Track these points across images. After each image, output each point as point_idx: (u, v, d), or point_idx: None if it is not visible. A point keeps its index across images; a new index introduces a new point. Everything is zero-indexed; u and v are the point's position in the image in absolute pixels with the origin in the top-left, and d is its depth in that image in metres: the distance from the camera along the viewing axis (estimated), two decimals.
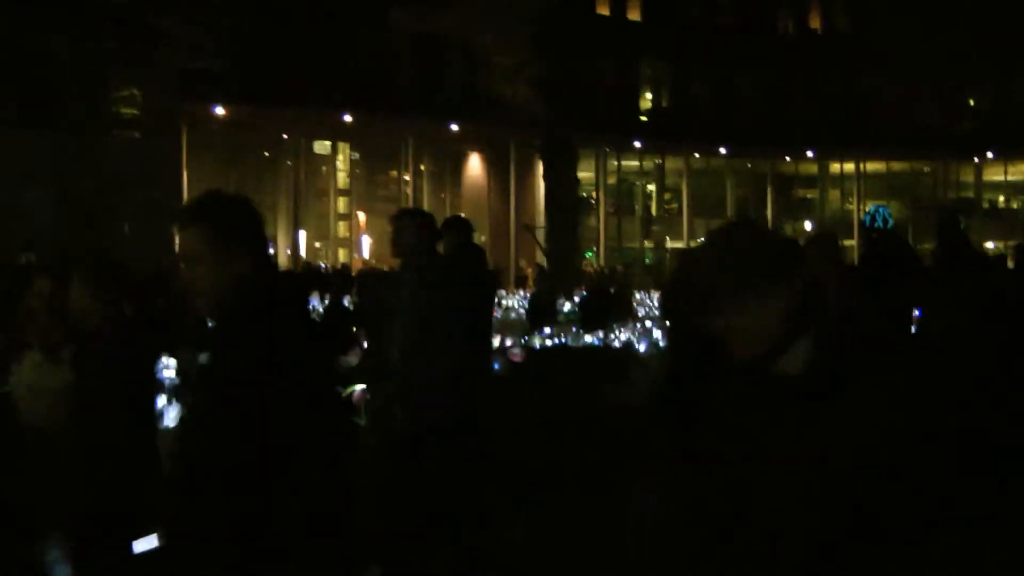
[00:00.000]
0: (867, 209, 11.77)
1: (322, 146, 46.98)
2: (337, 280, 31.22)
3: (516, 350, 12.26)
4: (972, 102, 60.42)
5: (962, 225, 9.90)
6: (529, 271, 44.62)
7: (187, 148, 38.86)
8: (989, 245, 53.11)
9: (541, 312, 22.08)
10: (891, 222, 10.51)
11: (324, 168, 47.26)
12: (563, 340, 16.72)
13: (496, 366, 10.27)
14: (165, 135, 31.96)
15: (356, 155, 48.69)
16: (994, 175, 61.96)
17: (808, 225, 57.19)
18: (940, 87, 54.97)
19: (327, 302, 20.33)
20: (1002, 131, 55.67)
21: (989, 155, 58.86)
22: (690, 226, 55.47)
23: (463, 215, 10.02)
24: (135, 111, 31.17)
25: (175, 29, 25.91)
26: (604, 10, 51.73)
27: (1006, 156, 59.13)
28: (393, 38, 40.05)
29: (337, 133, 45.46)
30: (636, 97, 55.27)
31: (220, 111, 39.62)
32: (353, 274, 37.57)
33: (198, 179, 40.84)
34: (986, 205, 61.41)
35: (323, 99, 40.06)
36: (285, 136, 43.68)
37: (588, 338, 17.18)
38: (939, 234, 9.79)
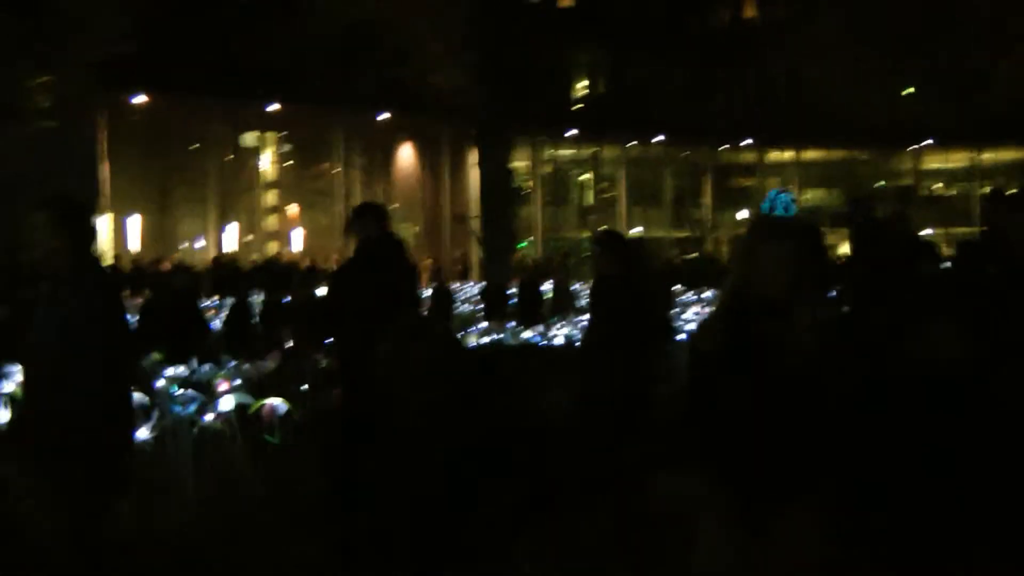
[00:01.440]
0: (768, 196, 10.94)
1: (250, 137, 45.69)
2: (260, 276, 30.26)
3: None
4: (910, 89, 60.30)
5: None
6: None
7: (107, 140, 37.49)
8: (928, 232, 53.37)
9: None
10: (793, 208, 9.60)
11: (252, 160, 45.93)
12: (499, 337, 15.71)
13: None
14: (81, 126, 30.41)
15: (286, 147, 47.39)
16: (932, 163, 61.94)
17: (745, 213, 56.62)
18: (878, 75, 54.69)
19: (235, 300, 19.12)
20: (940, 118, 55.72)
21: (927, 142, 58.56)
22: (627, 215, 54.78)
23: (379, 203, 8.61)
24: (48, 101, 29.58)
25: (87, 13, 24.55)
26: None
27: (944, 144, 58.95)
28: (321, 24, 38.81)
29: (264, 124, 44.20)
30: (571, 85, 54.45)
31: (140, 100, 38.24)
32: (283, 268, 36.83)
33: (119, 171, 39.53)
34: (924, 192, 61.38)
35: (249, 89, 38.85)
36: (210, 127, 42.19)
37: (527, 334, 16.19)
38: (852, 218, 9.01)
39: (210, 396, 8.46)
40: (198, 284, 24.33)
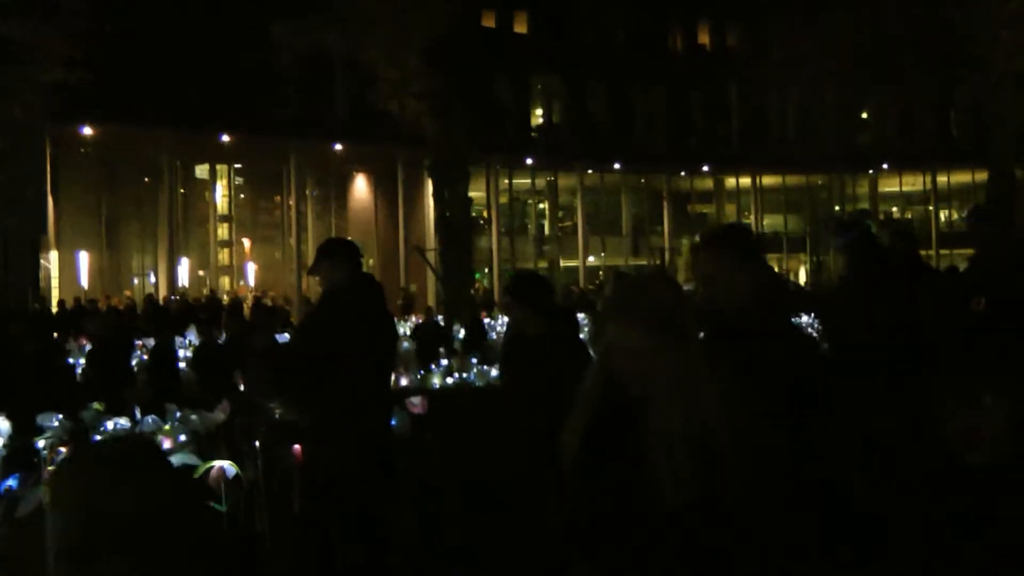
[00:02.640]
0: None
1: (201, 170, 44.90)
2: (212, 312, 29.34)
3: (415, 399, 10.30)
4: (865, 115, 60.50)
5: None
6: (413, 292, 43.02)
7: (53, 172, 36.56)
8: None
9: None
10: None
11: (204, 193, 45.12)
12: (463, 376, 14.99)
13: (393, 422, 8.40)
14: (26, 158, 29.35)
15: (239, 180, 46.61)
16: (889, 186, 62.05)
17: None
18: (833, 100, 54.71)
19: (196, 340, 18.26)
20: (896, 143, 55.97)
21: (884, 167, 58.68)
22: (585, 244, 54.34)
23: (349, 240, 7.44)
24: None
25: (28, 36, 23.65)
26: (490, 22, 50.30)
27: (900, 167, 59.04)
28: (275, 53, 38.14)
29: (216, 156, 43.41)
30: (527, 113, 54.01)
31: (88, 131, 37.36)
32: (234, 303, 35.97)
33: (67, 206, 38.65)
34: (882, 216, 61.45)
35: (201, 119, 38.06)
36: (161, 159, 41.25)
37: (494, 371, 15.47)
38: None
39: None
40: (123, 326, 23.22)
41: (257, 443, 8.14)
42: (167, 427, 8.79)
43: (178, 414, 9.86)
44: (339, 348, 6.31)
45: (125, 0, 32.45)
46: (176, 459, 7.29)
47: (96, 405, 10.89)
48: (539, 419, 6.37)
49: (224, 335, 16.19)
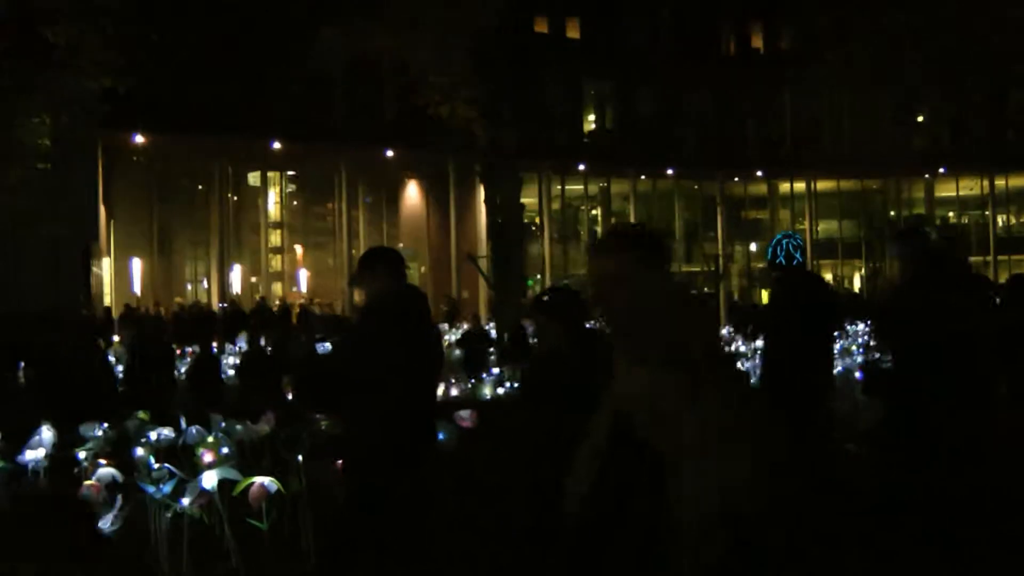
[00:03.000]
0: (775, 239, 9.57)
1: (253, 177, 44.92)
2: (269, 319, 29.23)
3: (464, 412, 9.97)
4: (920, 118, 59.71)
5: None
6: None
7: (105, 180, 36.69)
8: None
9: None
10: (797, 258, 8.39)
11: (256, 200, 45.12)
12: (515, 386, 14.70)
13: (441, 436, 8.12)
14: (78, 166, 29.38)
15: (290, 186, 46.59)
16: (945, 191, 61.12)
17: (754, 247, 55.88)
18: (888, 103, 54.06)
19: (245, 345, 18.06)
20: (952, 146, 55.24)
21: (940, 171, 57.88)
22: None
23: (393, 249, 7.00)
24: (44, 139, 28.48)
25: (74, 41, 23.51)
26: (543, 28, 50.10)
27: (956, 171, 58.16)
28: (324, 60, 38.05)
29: (268, 163, 43.40)
30: (579, 118, 53.72)
31: (140, 140, 37.44)
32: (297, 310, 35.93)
33: (119, 214, 38.77)
34: (938, 222, 60.62)
35: (251, 126, 38.06)
36: (212, 167, 41.31)
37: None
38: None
39: (191, 469, 7.41)
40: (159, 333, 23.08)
41: (301, 457, 7.90)
42: (211, 439, 8.57)
43: (222, 424, 9.66)
44: (378, 365, 6.03)
45: (174, 7, 32.45)
46: (217, 474, 7.06)
47: (141, 414, 10.74)
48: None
49: (269, 343, 15.99)
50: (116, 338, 25.04)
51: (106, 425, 10.33)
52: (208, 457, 7.61)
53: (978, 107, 52.78)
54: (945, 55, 47.13)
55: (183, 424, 9.72)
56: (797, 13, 53.43)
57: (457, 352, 23.33)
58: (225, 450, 8.09)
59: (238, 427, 9.60)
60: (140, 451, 8.51)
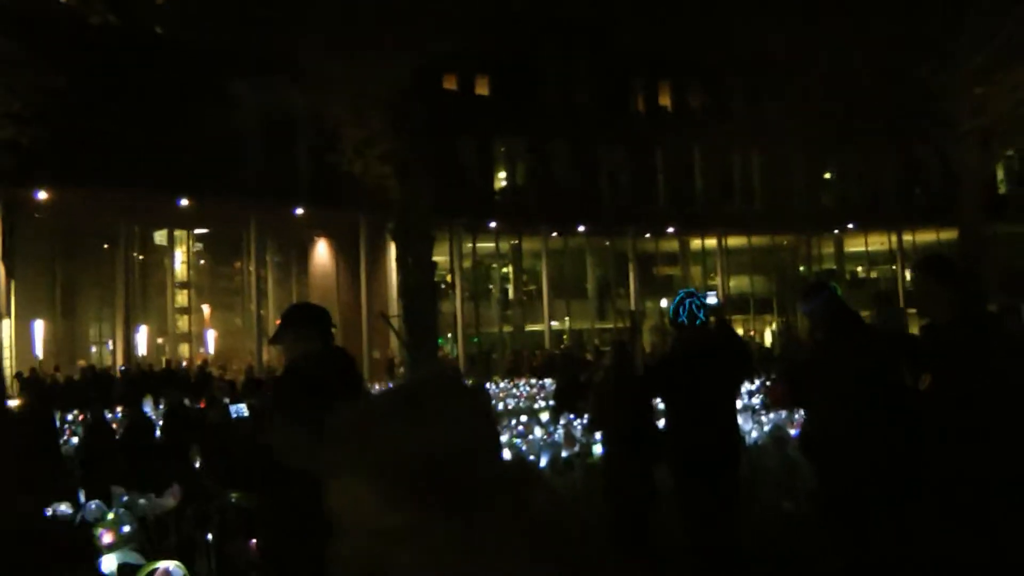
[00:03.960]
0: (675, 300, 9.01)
1: (160, 235, 44.05)
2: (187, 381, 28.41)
3: None
4: (829, 175, 60.47)
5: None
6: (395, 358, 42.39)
7: (6, 237, 35.66)
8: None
9: None
10: (700, 317, 8.13)
11: (162, 259, 44.24)
12: None
13: None
14: None
15: (198, 245, 45.77)
16: (854, 246, 61.81)
17: (666, 303, 55.89)
18: (797, 161, 54.66)
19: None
20: (860, 202, 55.94)
21: (849, 226, 58.52)
22: (550, 308, 53.67)
23: (320, 307, 6.37)
24: None
25: None
26: (452, 85, 49.95)
27: (865, 227, 58.73)
28: (235, 115, 37.52)
29: (175, 220, 42.54)
30: (490, 176, 53.51)
31: (43, 195, 36.44)
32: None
33: (21, 271, 37.71)
34: (848, 276, 61.31)
35: (159, 183, 37.23)
36: (118, 224, 40.34)
37: None
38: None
39: (91, 551, 6.81)
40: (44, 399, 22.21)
41: (210, 535, 7.32)
42: (111, 516, 7.95)
43: (124, 498, 9.04)
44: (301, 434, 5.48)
45: (79, 57, 31.72)
46: (117, 558, 6.46)
47: None
48: None
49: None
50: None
51: None
52: (107, 538, 7.00)
53: (886, 164, 53.57)
54: (853, 114, 47.86)
55: (82, 498, 9.11)
56: (707, 72, 54.05)
57: None
58: (126, 528, 7.49)
59: (141, 501, 8.97)
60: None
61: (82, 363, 36.53)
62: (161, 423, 15.02)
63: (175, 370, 35.19)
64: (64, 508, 8.99)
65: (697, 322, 8.22)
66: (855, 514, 6.55)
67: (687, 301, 8.33)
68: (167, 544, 7.95)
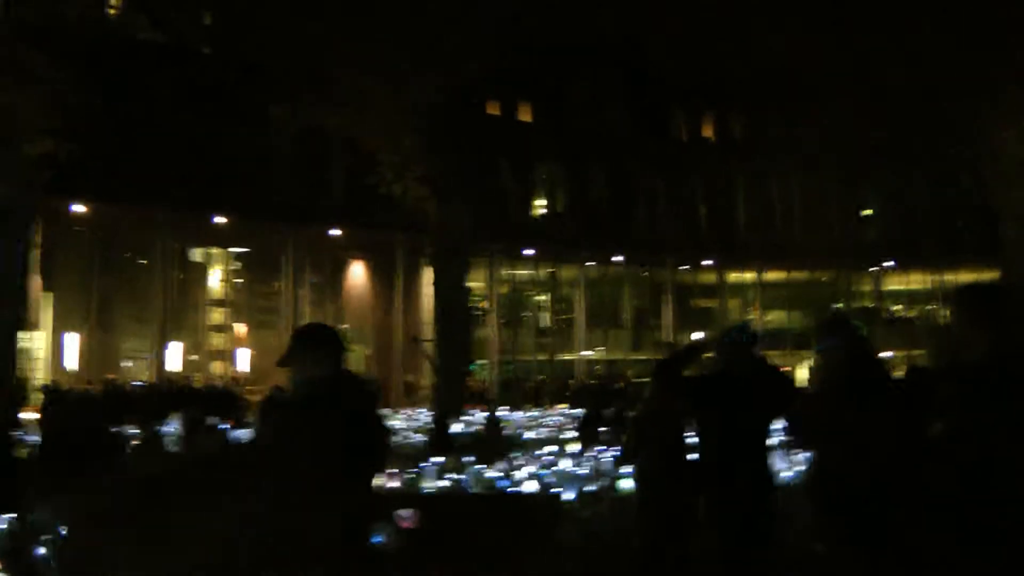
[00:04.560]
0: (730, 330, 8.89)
1: (198, 252, 44.10)
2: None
3: (404, 512, 9.16)
4: (871, 211, 60.08)
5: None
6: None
7: (44, 250, 35.70)
8: (888, 354, 52.86)
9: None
10: (748, 346, 7.81)
11: (199, 276, 44.26)
12: (460, 479, 13.95)
13: (377, 539, 7.34)
14: (11, 236, 28.24)
15: (236, 264, 45.79)
16: (893, 284, 61.22)
17: (701, 334, 55.50)
18: (838, 195, 54.40)
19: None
20: (900, 240, 55.47)
21: (889, 264, 57.99)
22: (586, 337, 53.41)
23: (332, 328, 6.04)
24: None
25: (6, 101, 22.67)
26: (495, 110, 49.90)
27: (905, 265, 58.26)
28: (274, 135, 37.55)
29: (212, 238, 42.58)
30: (529, 202, 53.40)
31: (81, 208, 36.47)
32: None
33: (59, 284, 37.80)
34: (885, 314, 60.73)
35: (197, 200, 37.31)
36: (156, 240, 40.40)
37: (490, 472, 14.46)
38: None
39: None
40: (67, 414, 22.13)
41: None
42: None
43: None
44: (305, 459, 5.25)
45: (120, 75, 31.85)
46: None
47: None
48: None
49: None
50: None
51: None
52: None
53: (928, 201, 53.18)
54: (896, 149, 47.53)
55: None
56: (749, 101, 53.83)
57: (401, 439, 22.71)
58: None
59: None
60: (42, 550, 7.68)
61: (112, 376, 36.48)
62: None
63: (197, 388, 35.05)
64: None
65: (744, 352, 7.88)
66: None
67: (737, 331, 8.02)
68: None
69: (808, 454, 7.65)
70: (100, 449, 13.52)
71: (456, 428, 24.58)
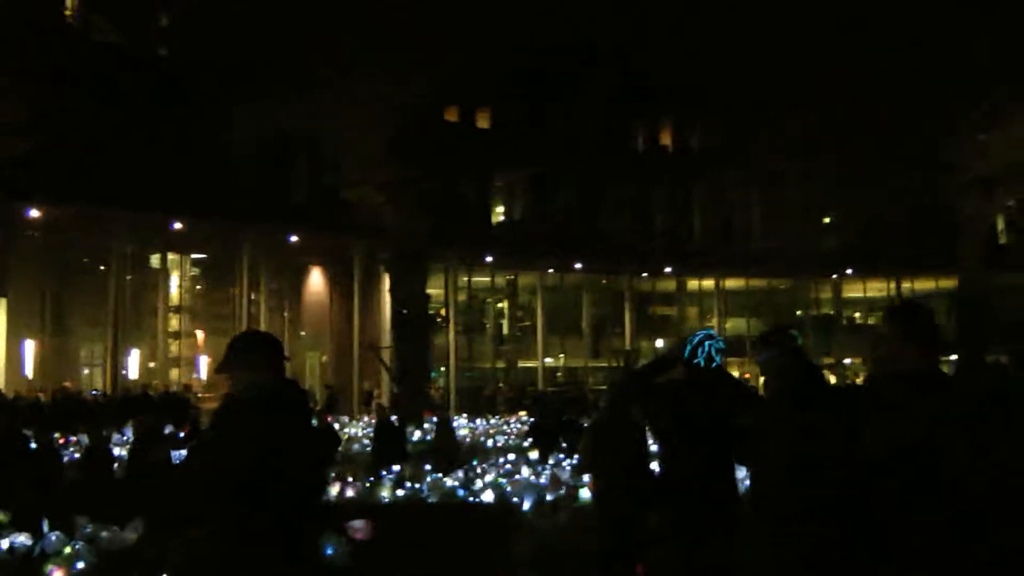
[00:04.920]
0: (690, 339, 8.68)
1: (155, 258, 43.57)
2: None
3: (357, 523, 8.97)
4: (829, 219, 60.34)
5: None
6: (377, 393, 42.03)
7: None
8: (847, 361, 55.00)
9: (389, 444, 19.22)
10: (717, 360, 7.63)
11: (156, 282, 43.69)
12: (417, 487, 13.81)
13: (328, 551, 7.19)
14: None
15: (193, 270, 45.39)
16: (852, 292, 61.49)
17: (661, 343, 55.54)
18: (798, 204, 54.64)
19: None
20: (859, 248, 55.72)
21: (847, 272, 58.21)
22: (544, 344, 53.28)
23: (271, 336, 5.77)
24: None
25: None
26: (453, 116, 49.81)
27: (863, 273, 58.58)
28: (234, 139, 37.25)
29: (169, 243, 42.06)
30: (488, 210, 53.28)
31: (36, 213, 36.00)
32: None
33: (14, 289, 37.31)
34: (844, 322, 60.98)
35: (154, 204, 36.85)
36: (113, 245, 39.85)
37: (449, 481, 14.32)
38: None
39: None
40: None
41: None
42: (68, 549, 7.58)
43: (87, 529, 8.68)
44: (244, 472, 5.07)
45: (77, 75, 31.53)
46: None
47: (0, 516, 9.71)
48: None
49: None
50: None
51: None
52: (57, 574, 6.63)
53: (887, 209, 53.48)
54: (855, 158, 47.84)
55: (45, 528, 8.72)
56: (709, 111, 54.05)
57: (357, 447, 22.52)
58: (80, 565, 7.11)
59: (104, 534, 8.60)
60: None
61: (69, 384, 36.01)
62: (127, 451, 14.63)
63: (151, 395, 34.60)
64: (22, 539, 8.62)
65: (713, 365, 7.71)
66: None
67: (707, 343, 7.78)
68: None
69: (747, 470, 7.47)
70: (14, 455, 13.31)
71: (416, 435, 24.48)
